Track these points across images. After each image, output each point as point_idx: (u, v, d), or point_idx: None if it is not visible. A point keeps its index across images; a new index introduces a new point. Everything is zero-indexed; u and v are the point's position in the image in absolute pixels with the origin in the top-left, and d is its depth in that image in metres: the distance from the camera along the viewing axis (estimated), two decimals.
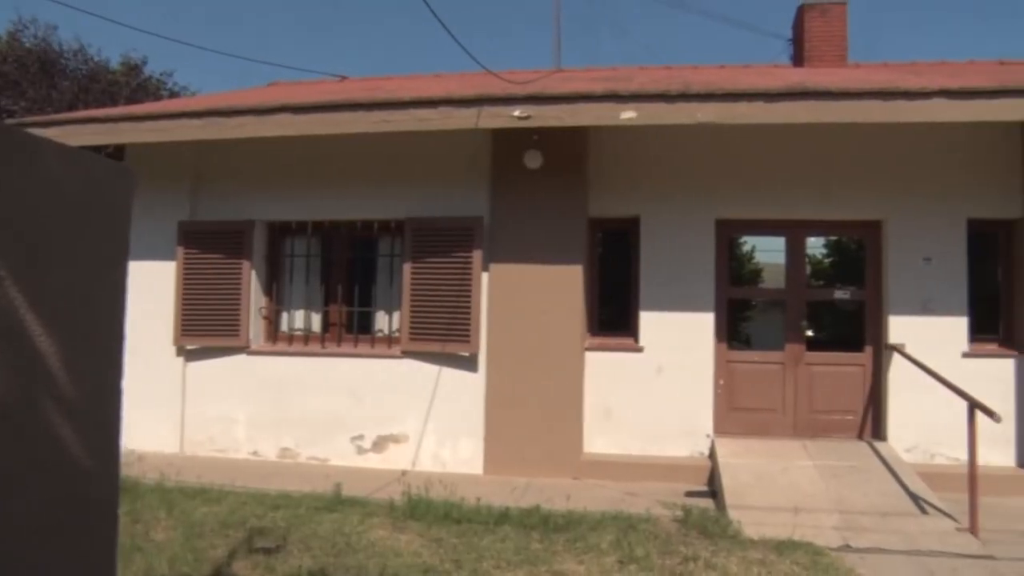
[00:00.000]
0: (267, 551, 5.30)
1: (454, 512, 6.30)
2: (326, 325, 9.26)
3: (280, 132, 8.17)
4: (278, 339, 9.29)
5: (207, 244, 9.06)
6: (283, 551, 5.32)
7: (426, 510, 6.35)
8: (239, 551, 5.29)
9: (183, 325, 9.04)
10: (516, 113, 7.72)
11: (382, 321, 9.17)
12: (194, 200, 9.26)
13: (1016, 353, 8.38)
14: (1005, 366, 8.37)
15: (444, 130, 7.99)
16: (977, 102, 7.27)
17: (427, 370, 8.68)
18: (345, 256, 9.29)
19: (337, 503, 6.60)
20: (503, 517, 6.21)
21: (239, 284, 9.00)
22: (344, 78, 11.97)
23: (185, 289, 9.06)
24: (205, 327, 9.00)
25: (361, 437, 8.74)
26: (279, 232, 9.38)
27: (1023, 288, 8.41)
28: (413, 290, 8.67)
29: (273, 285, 9.31)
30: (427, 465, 8.51)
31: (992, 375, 8.26)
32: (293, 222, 9.23)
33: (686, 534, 6.01)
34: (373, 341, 9.06)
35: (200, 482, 7.13)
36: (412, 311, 8.66)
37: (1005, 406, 8.00)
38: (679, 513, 6.52)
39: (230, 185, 9.22)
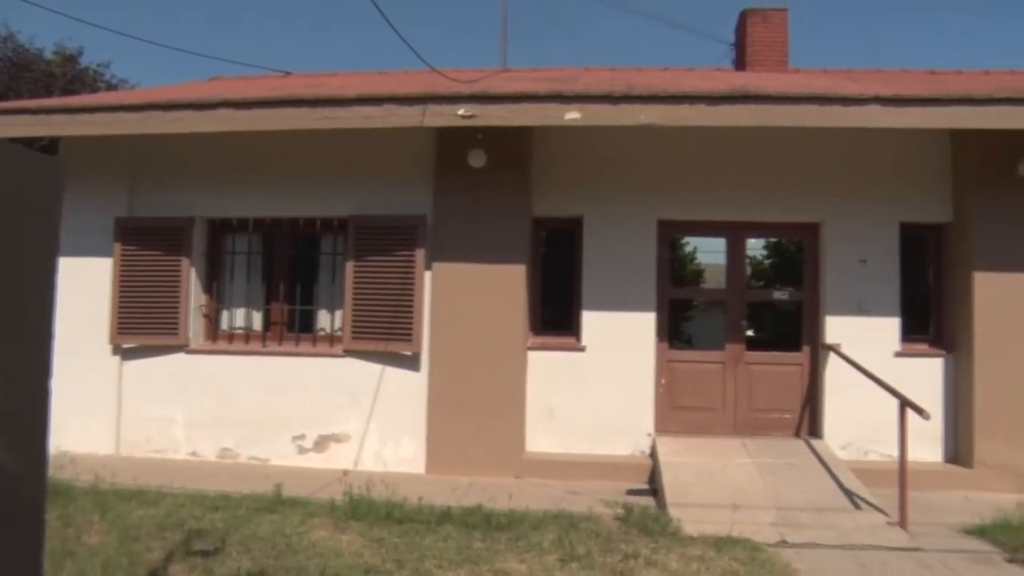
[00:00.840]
0: (205, 553, 5.22)
1: (396, 512, 6.27)
2: (267, 324, 9.16)
3: (221, 128, 8.04)
4: (218, 338, 9.15)
5: (145, 241, 8.88)
6: (222, 553, 5.25)
7: (368, 510, 6.31)
8: (176, 554, 5.20)
9: (119, 323, 8.85)
10: (461, 112, 7.71)
11: (324, 320, 9.09)
12: (132, 196, 9.06)
13: (945, 353, 8.64)
14: (935, 365, 8.64)
15: (388, 128, 7.95)
16: (909, 109, 7.49)
17: (369, 369, 8.63)
18: (287, 254, 9.19)
19: (278, 504, 6.52)
20: (445, 516, 6.20)
21: (178, 281, 8.84)
22: (287, 74, 11.83)
23: (122, 287, 8.86)
24: (143, 325, 8.82)
25: (302, 437, 8.66)
26: (220, 229, 9.24)
27: (952, 290, 8.67)
28: (356, 289, 8.61)
29: (213, 283, 9.16)
30: (369, 465, 8.46)
31: (922, 374, 8.51)
32: (234, 219, 9.10)
33: (627, 532, 6.07)
34: (315, 340, 8.98)
35: (136, 484, 6.97)
36: (354, 310, 8.60)
37: (934, 404, 8.25)
38: (620, 511, 6.58)
39: (169, 181, 9.05)
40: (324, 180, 8.83)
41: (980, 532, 6.34)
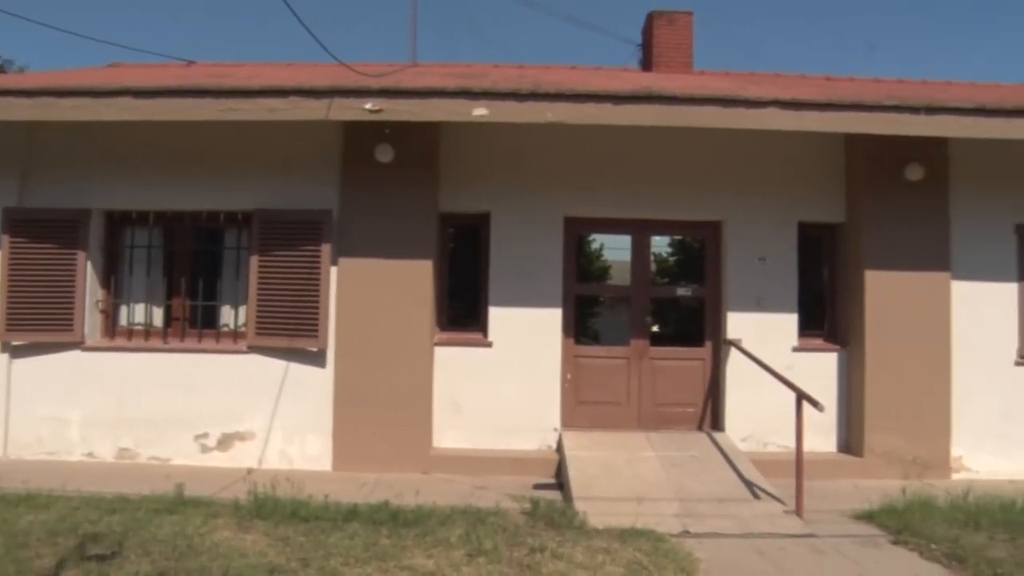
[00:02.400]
0: (101, 558, 5.04)
1: (302, 510, 6.18)
2: (168, 320, 8.91)
3: (121, 117, 7.78)
4: (116, 334, 8.85)
5: (37, 233, 8.53)
6: (119, 557, 5.08)
7: (273, 509, 6.20)
8: (69, 560, 5.01)
9: (8, 319, 8.48)
10: (368, 106, 7.65)
11: (228, 316, 8.90)
12: (23, 186, 8.69)
13: (839, 347, 8.99)
14: (829, 359, 8.98)
15: (295, 121, 7.83)
16: (806, 113, 7.78)
17: (274, 366, 8.48)
18: (189, 248, 8.96)
19: (179, 504, 6.35)
20: (352, 514, 6.14)
21: (73, 276, 8.52)
22: (191, 63, 11.50)
23: (11, 281, 8.49)
24: (34, 322, 8.47)
25: (205, 435, 8.46)
26: (119, 222, 8.93)
27: (845, 287, 9.03)
28: (260, 284, 8.45)
29: (111, 278, 8.86)
30: (274, 463, 8.33)
31: (818, 368, 8.86)
32: (134, 211, 8.81)
33: (534, 526, 6.12)
34: (218, 336, 8.77)
35: (26, 488, 6.66)
36: (259, 305, 8.45)
37: (829, 397, 8.62)
38: (527, 505, 6.63)
39: (64, 171, 8.71)
40: (228, 173, 8.65)
41: (869, 517, 6.66)
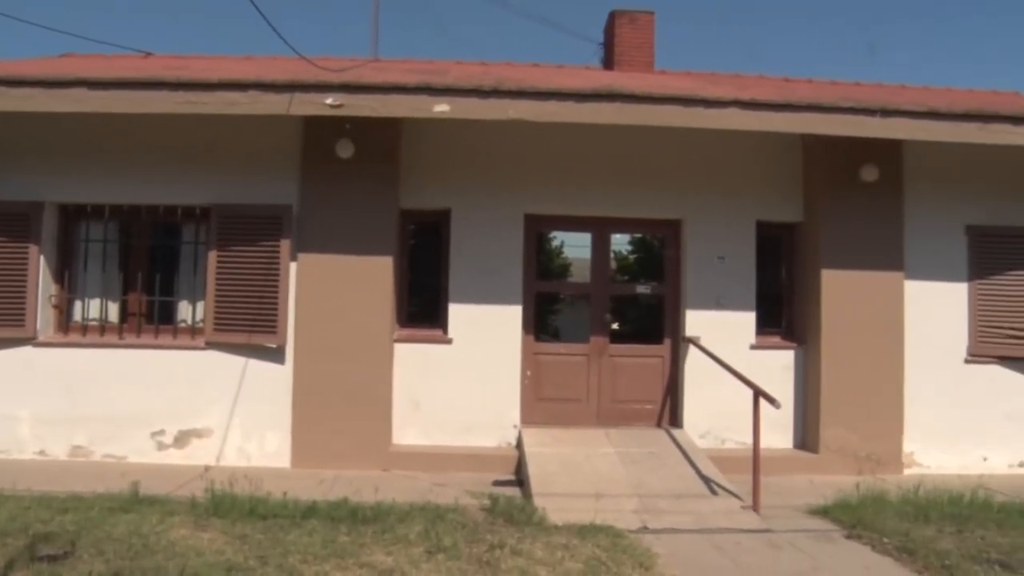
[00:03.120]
0: (52, 558, 4.93)
1: (260, 507, 6.13)
2: (124, 315, 8.77)
3: (75, 108, 7.63)
4: (70, 330, 8.70)
5: None
6: (71, 557, 4.98)
7: (230, 506, 6.14)
8: (19, 560, 4.89)
9: None
10: (329, 101, 7.60)
11: (186, 311, 8.79)
12: None
13: (796, 345, 9.12)
14: (787, 357, 9.11)
15: (254, 115, 7.75)
16: (765, 114, 7.89)
17: (232, 362, 8.40)
18: (146, 242, 8.83)
19: (134, 503, 6.25)
20: (310, 511, 6.10)
21: (25, 271, 8.35)
22: (148, 54, 11.31)
23: None
24: None
25: (162, 432, 8.34)
26: (73, 215, 8.77)
27: (803, 286, 9.16)
28: (219, 279, 8.36)
29: (65, 272, 8.70)
30: (232, 460, 8.24)
31: (776, 365, 8.97)
32: (89, 205, 8.66)
33: (493, 522, 6.13)
34: (175, 332, 8.66)
35: None
36: (217, 301, 8.35)
37: (786, 394, 8.72)
38: (487, 502, 6.64)
39: (16, 162, 8.53)
40: (186, 167, 8.53)
41: (823, 512, 6.78)
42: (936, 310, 8.90)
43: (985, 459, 8.85)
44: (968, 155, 8.71)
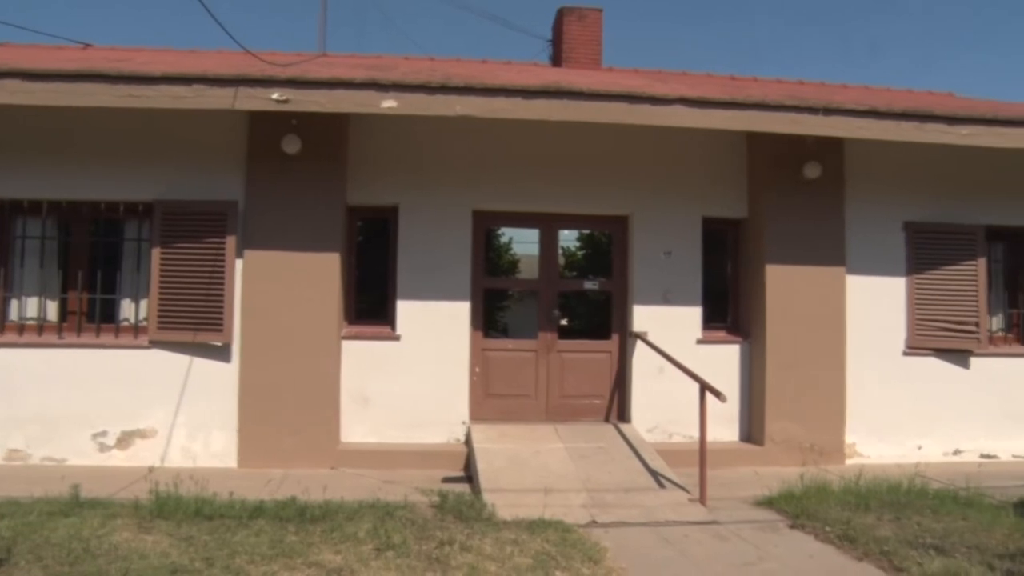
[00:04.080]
0: None
1: (206, 508, 6.05)
2: (64, 314, 8.56)
3: (10, 100, 7.42)
4: (6, 329, 8.46)
5: None
6: (7, 564, 4.84)
7: (175, 508, 6.04)
8: None
9: None
10: (275, 96, 7.51)
11: (128, 310, 8.61)
12: None
13: (741, 339, 9.26)
14: (732, 351, 9.24)
15: (198, 110, 7.62)
16: (711, 111, 7.99)
17: (177, 361, 8.26)
18: (86, 239, 8.63)
19: (75, 506, 6.10)
20: (258, 511, 6.04)
21: None
22: (87, 46, 11.07)
23: None
24: None
25: (104, 434, 8.18)
26: (9, 211, 8.53)
27: (747, 281, 9.30)
28: (162, 277, 8.22)
29: (1, 270, 8.46)
30: (177, 461, 8.11)
31: (721, 359, 9.10)
32: (25, 201, 8.43)
33: (443, 519, 6.14)
34: (118, 331, 8.49)
35: None
36: (161, 299, 8.21)
37: (731, 387, 8.87)
38: (436, 499, 6.63)
39: None
40: (128, 161, 8.36)
41: (768, 503, 6.92)
42: (876, 304, 9.12)
43: (920, 448, 9.10)
44: (906, 153, 8.95)
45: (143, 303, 8.50)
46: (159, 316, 8.21)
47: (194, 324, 8.21)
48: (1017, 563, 5.28)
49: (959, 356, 9.33)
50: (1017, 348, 9.68)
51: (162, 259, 8.23)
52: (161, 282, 8.21)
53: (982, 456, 9.21)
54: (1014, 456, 9.31)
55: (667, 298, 9.10)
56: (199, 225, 8.27)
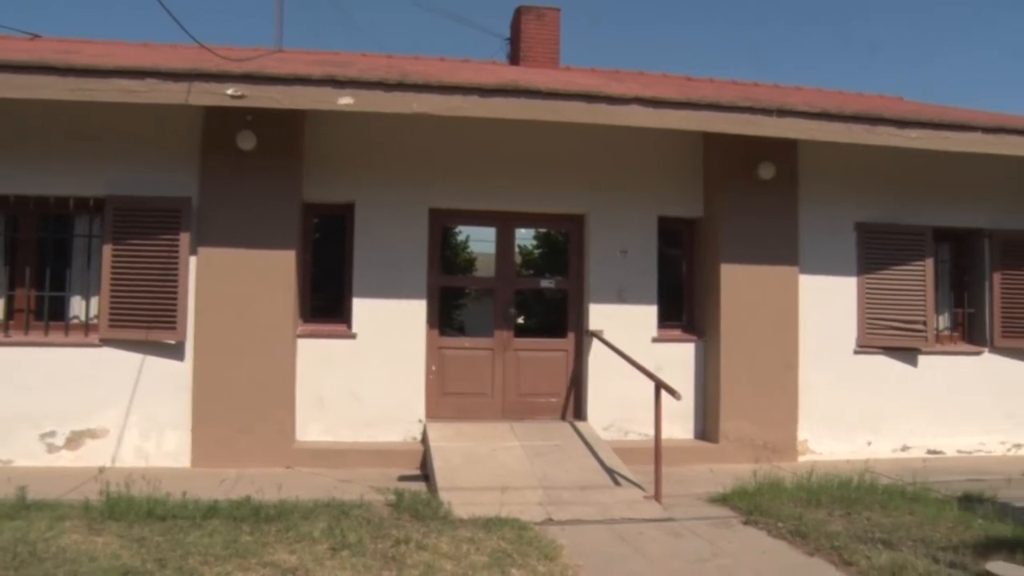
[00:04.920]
0: None
1: (158, 509, 5.95)
2: (11, 312, 8.37)
3: None
4: None
5: None
6: None
7: (127, 509, 5.93)
8: None
9: None
10: (230, 92, 7.42)
11: (78, 307, 8.46)
12: None
13: (696, 338, 9.36)
14: (687, 350, 9.34)
15: (152, 104, 7.50)
16: (666, 111, 8.07)
17: (129, 359, 8.13)
18: (35, 235, 8.44)
19: (21, 508, 5.94)
20: (212, 510, 5.96)
21: None
22: (36, 36, 10.81)
23: None
24: None
25: (52, 434, 8.01)
26: None
27: (703, 280, 9.40)
28: (114, 274, 8.07)
29: None
30: (129, 461, 7.97)
31: (677, 358, 9.19)
32: None
33: (399, 517, 6.11)
34: (67, 329, 8.32)
35: None
36: (113, 296, 8.07)
37: (686, 386, 8.97)
38: (392, 497, 6.61)
39: None
40: (79, 156, 8.20)
41: (723, 500, 7.01)
42: (828, 303, 9.28)
43: (870, 444, 9.28)
44: (858, 155, 9.11)
45: (94, 301, 8.34)
46: (110, 314, 8.06)
47: (147, 322, 8.08)
48: (959, 555, 5.43)
49: (908, 354, 9.53)
50: (962, 347, 9.93)
51: (114, 256, 8.09)
52: (113, 279, 8.07)
53: (929, 452, 9.42)
54: (959, 452, 9.54)
55: (623, 297, 9.16)
56: (152, 221, 8.14)
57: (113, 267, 8.08)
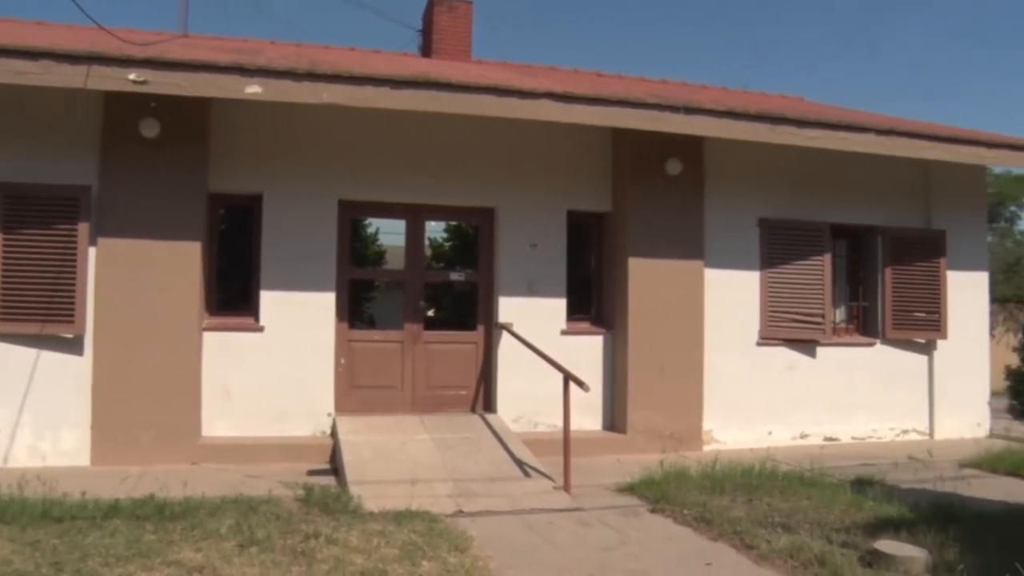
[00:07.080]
0: None
1: (54, 510, 5.73)
2: None
3: None
4: None
5: None
6: None
7: (20, 511, 5.68)
8: None
9: None
10: (132, 77, 7.18)
11: None
12: None
13: (605, 330, 9.51)
14: (596, 342, 9.48)
15: (47, 87, 7.19)
16: (576, 106, 8.18)
17: (22, 354, 7.80)
18: None
19: None
20: (113, 510, 5.78)
21: None
22: None
23: None
24: None
25: None
26: None
27: (611, 273, 9.56)
28: (6, 264, 7.73)
29: None
30: (23, 460, 7.65)
31: (586, 350, 9.32)
32: None
33: (308, 512, 6.05)
34: None
35: None
36: (4, 288, 7.73)
37: (595, 377, 9.10)
38: (301, 492, 6.53)
39: None
40: None
41: (630, 489, 7.13)
42: (732, 297, 9.55)
43: (771, 433, 9.60)
44: (761, 153, 9.38)
45: None
46: (2, 307, 7.72)
47: (42, 315, 7.77)
48: (851, 535, 5.67)
49: (807, 346, 9.89)
50: (857, 338, 10.36)
51: (5, 245, 7.74)
52: (4, 270, 7.72)
53: (826, 439, 9.81)
54: (853, 438, 9.97)
55: (532, 290, 9.24)
56: (48, 210, 7.83)
57: (5, 257, 7.73)
